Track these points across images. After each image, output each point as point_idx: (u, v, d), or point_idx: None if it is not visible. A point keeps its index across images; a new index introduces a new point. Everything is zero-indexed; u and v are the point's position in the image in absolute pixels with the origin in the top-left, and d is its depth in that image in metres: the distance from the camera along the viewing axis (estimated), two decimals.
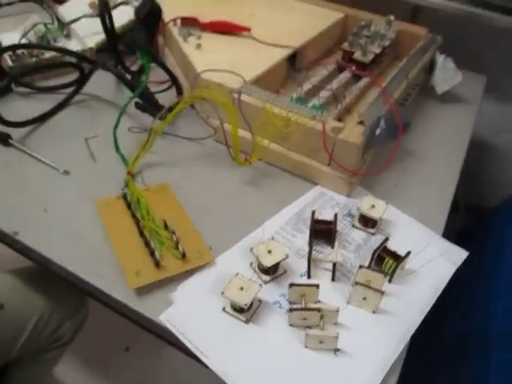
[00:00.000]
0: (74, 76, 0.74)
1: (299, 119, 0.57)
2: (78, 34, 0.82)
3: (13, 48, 0.71)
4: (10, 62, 0.73)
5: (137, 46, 0.65)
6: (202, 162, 0.63)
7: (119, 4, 0.79)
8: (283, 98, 0.60)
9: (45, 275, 0.68)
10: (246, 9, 0.83)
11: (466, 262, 0.53)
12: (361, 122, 0.57)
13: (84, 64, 0.72)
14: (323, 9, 0.85)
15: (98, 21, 0.75)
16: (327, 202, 0.58)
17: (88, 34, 0.81)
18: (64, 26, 0.82)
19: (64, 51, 0.70)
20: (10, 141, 0.63)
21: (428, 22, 0.90)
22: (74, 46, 0.82)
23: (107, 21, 0.74)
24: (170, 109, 0.61)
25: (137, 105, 0.69)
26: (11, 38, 0.84)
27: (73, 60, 0.71)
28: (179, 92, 0.71)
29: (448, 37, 0.80)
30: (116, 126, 0.60)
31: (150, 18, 0.77)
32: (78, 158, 0.63)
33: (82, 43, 0.81)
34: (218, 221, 0.55)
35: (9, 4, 0.93)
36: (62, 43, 0.82)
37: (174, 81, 0.71)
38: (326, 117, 0.57)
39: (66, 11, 0.89)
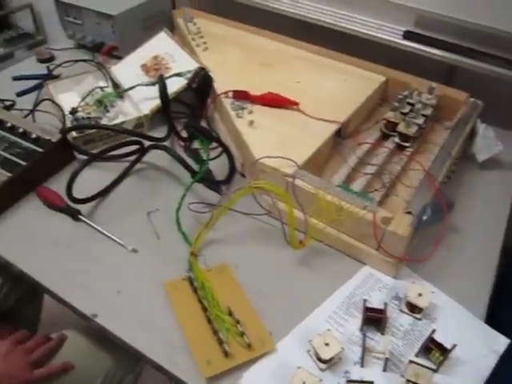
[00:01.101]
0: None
1: (351, 208, 0.61)
2: (132, 99, 0.88)
3: (81, 128, 0.77)
4: (73, 133, 0.79)
5: (198, 132, 0.70)
6: (259, 239, 0.68)
7: (172, 75, 0.83)
8: (333, 184, 0.65)
9: None
10: (291, 74, 0.87)
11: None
12: (408, 212, 0.61)
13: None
14: (365, 71, 0.89)
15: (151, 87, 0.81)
16: (375, 284, 0.63)
17: (142, 99, 0.86)
18: (120, 92, 0.88)
19: (129, 132, 0.75)
20: (80, 216, 0.69)
21: (465, 79, 0.92)
22: (128, 109, 0.88)
23: (162, 93, 0.79)
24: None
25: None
26: (69, 99, 0.91)
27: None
28: (231, 162, 0.76)
29: (485, 96, 0.83)
30: (178, 209, 0.66)
31: (201, 87, 0.83)
32: (143, 234, 0.68)
33: (137, 109, 0.86)
34: (275, 303, 0.60)
35: (59, 65, 0.99)
36: (117, 107, 0.87)
37: (226, 151, 0.76)
38: (375, 206, 0.61)
39: (118, 71, 0.94)
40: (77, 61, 0.99)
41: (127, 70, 0.94)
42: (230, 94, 0.80)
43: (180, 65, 0.89)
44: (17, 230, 0.69)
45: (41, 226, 0.69)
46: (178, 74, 0.82)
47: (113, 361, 0.74)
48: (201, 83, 0.82)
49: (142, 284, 0.62)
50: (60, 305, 0.62)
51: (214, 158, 0.77)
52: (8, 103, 0.89)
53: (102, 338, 0.75)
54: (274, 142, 0.71)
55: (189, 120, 0.81)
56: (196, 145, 0.80)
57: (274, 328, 0.57)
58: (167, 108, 0.80)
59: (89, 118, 0.85)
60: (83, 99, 0.88)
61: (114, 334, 0.57)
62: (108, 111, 0.87)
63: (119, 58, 1.00)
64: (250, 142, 0.71)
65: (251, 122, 0.74)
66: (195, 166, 0.73)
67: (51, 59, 1.05)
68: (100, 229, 0.68)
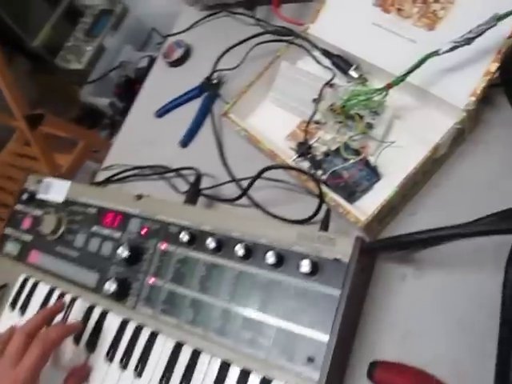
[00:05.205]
0: None
1: None
2: (412, 84, 0.41)
3: (401, 245, 0.33)
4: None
5: None
6: None
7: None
8: None
9: None
10: None
11: None
12: None
13: None
14: None
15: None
16: None
17: (432, 79, 0.40)
18: (394, 83, 0.40)
19: None
20: None
21: None
22: (411, 109, 0.42)
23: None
24: None
25: None
26: (268, 120, 0.48)
27: None
28: None
29: None
30: None
31: None
32: None
33: (439, 106, 0.40)
34: None
35: (215, 71, 0.55)
36: (385, 112, 0.42)
37: None
38: None
39: (330, 33, 0.47)
40: (247, 40, 0.51)
41: (347, 23, 0.46)
42: None
43: None
44: None
45: None
46: None
47: None
48: None
49: None
50: None
51: None
52: (193, 189, 0.46)
53: None
54: None
55: None
56: None
57: None
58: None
59: (338, 152, 0.42)
60: (310, 120, 0.44)
61: None
62: (371, 127, 0.42)
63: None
64: None
65: None
66: None
67: (186, 55, 0.61)
68: None
